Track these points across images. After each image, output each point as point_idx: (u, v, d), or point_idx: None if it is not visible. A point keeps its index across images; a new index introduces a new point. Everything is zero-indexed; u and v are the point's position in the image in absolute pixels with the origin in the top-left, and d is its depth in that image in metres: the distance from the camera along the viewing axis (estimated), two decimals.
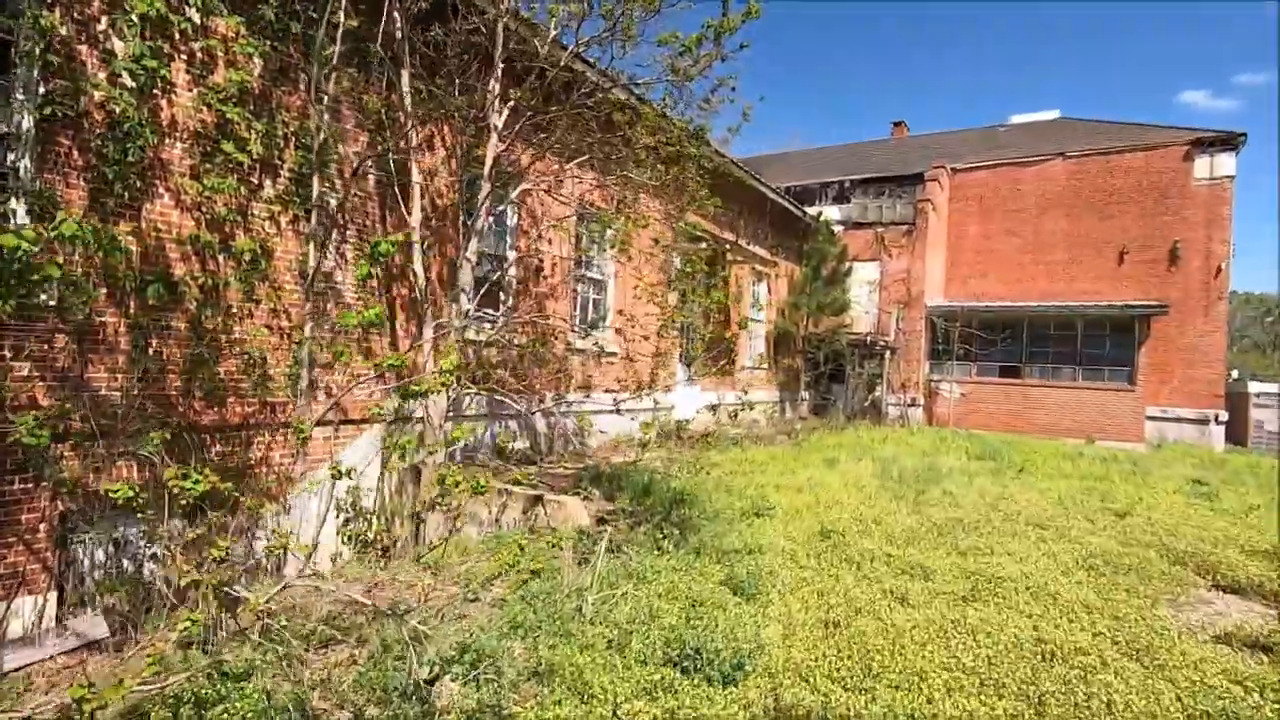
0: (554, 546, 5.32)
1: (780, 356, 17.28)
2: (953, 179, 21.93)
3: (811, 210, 19.44)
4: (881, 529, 6.02)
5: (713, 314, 12.80)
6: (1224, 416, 17.92)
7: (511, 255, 9.12)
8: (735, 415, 15.21)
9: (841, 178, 20.89)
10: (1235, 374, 28.24)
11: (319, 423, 6.74)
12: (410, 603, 3.91)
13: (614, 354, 11.05)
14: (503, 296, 9.11)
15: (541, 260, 9.46)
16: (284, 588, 3.72)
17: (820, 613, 3.81)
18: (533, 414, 9.41)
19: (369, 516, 7.06)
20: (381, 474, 7.32)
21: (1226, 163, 18.45)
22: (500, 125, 6.26)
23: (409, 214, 6.38)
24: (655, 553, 5.10)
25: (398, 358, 4.05)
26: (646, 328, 11.94)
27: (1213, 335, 18.30)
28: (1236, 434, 19.85)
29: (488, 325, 8.85)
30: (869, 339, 18.14)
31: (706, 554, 4.98)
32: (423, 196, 7.35)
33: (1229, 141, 18.44)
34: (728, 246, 13.29)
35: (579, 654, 3.01)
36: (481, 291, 6.85)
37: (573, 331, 10.11)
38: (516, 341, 8.80)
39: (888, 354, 18.19)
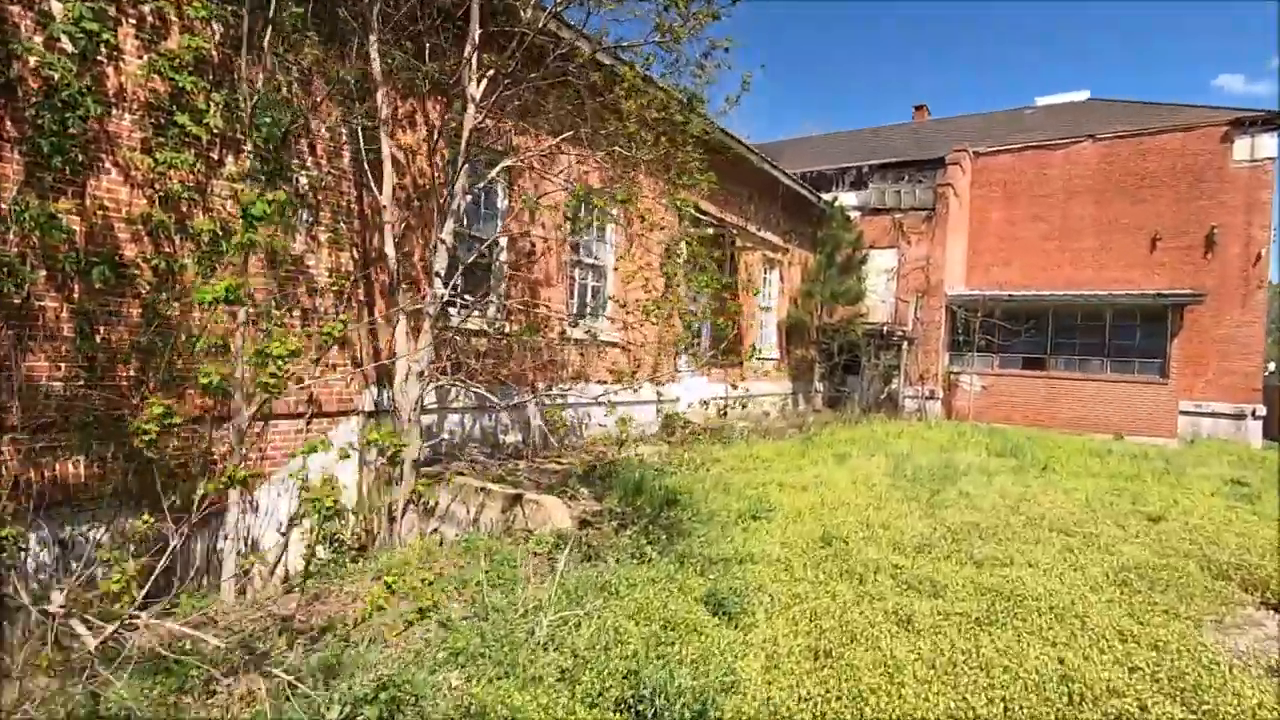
0: (533, 554, 4.88)
1: (793, 347, 16.71)
2: (975, 163, 21.10)
3: (828, 197, 18.76)
4: (889, 535, 5.51)
5: (708, 299, 12.23)
6: (1261, 411, 17.04)
7: (502, 239, 8.67)
8: (745, 407, 14.69)
9: (859, 163, 20.17)
10: (1272, 366, 27.10)
11: (288, 415, 6.37)
12: (348, 621, 3.49)
13: (612, 343, 10.59)
14: (493, 282, 8.68)
15: (534, 244, 9.01)
16: (165, 613, 3.31)
17: (810, 639, 3.33)
18: (524, 406, 8.98)
19: (348, 514, 6.69)
20: (360, 469, 6.95)
21: (1268, 144, 17.46)
22: (477, 96, 5.79)
23: (379, 192, 5.94)
24: (636, 561, 4.64)
25: (332, 327, 3.62)
26: (648, 316, 11.48)
27: (1251, 326, 17.40)
28: (1272, 430, 18.92)
29: (476, 312, 8.44)
30: (885, 329, 17.49)
31: (691, 564, 4.51)
32: (402, 175, 6.94)
33: (1272, 121, 17.44)
34: (734, 231, 12.73)
35: (518, 692, 2.57)
36: (458, 275, 6.39)
37: (568, 319, 9.66)
38: (507, 330, 8.37)
39: (905, 345, 17.53)
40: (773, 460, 9.18)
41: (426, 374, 5.99)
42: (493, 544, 5.04)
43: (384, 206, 5.84)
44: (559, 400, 9.58)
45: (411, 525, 5.99)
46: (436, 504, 6.26)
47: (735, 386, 13.92)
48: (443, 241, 5.82)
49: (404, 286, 6.61)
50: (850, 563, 4.67)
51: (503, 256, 8.70)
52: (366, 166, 6.19)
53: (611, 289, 10.64)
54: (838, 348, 17.54)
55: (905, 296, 18.36)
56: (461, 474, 6.64)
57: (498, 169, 6.29)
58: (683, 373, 12.71)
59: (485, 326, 8.27)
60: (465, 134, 5.73)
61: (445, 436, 7.97)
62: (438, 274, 5.85)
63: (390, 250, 5.93)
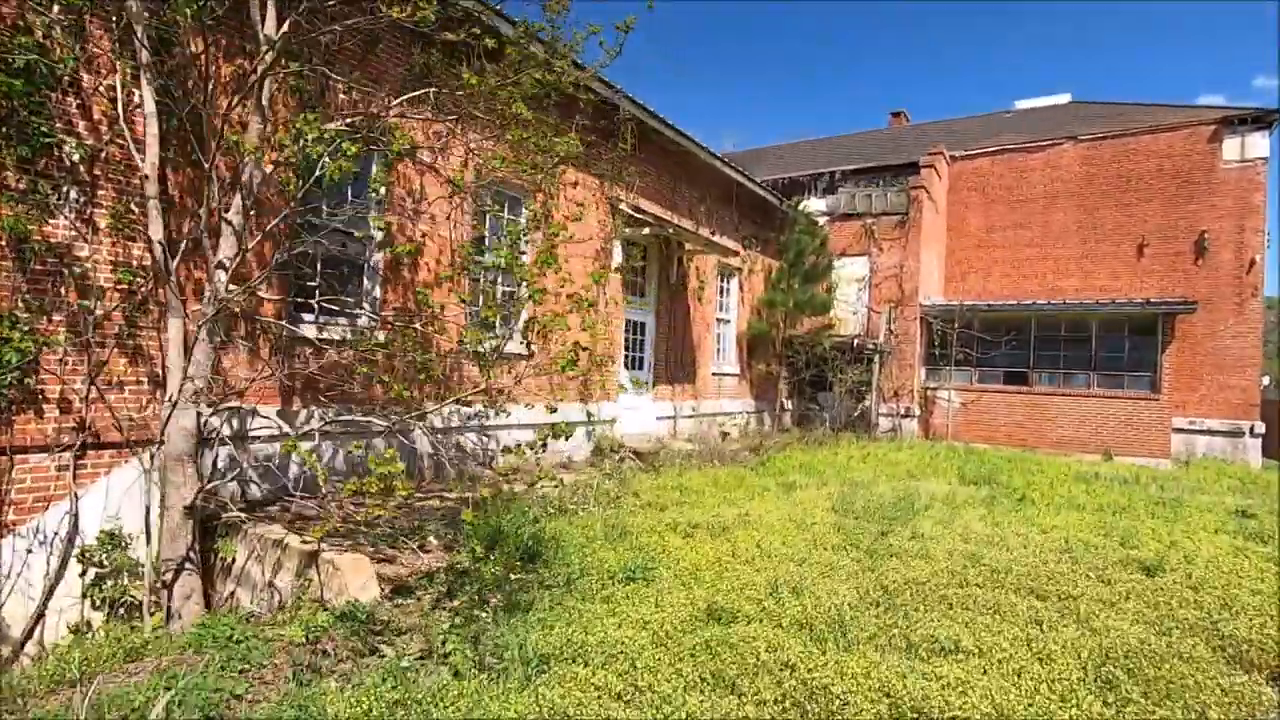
0: (293, 645, 3.50)
1: (755, 362, 15.41)
2: (952, 167, 20.02)
3: (798, 202, 17.58)
4: (801, 605, 4.15)
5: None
6: (1260, 428, 15.83)
7: (378, 233, 7.36)
8: (701, 427, 13.35)
9: (832, 169, 19.02)
10: (1266, 380, 25.98)
11: (40, 448, 4.98)
12: None
13: (523, 355, 9.24)
14: (366, 285, 7.36)
15: (422, 243, 7.68)
16: None
17: None
18: (408, 431, 7.61)
19: (138, 571, 5.29)
20: (161, 514, 5.55)
21: (1260, 143, 16.42)
22: (274, 35, 4.50)
23: (142, 160, 4.62)
24: (429, 659, 3.28)
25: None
26: (544, 327, 10.16)
27: (1246, 336, 16.23)
28: (1272, 448, 17.70)
29: (343, 320, 7.10)
30: (855, 342, 16.23)
31: (501, 670, 3.15)
32: (183, 140, 5.57)
33: (1262, 119, 16.42)
34: (680, 234, 11.47)
35: None
36: (267, 261, 5.05)
37: (466, 329, 8.32)
38: (381, 340, 7.00)
39: (877, 359, 16.25)
40: (702, 492, 7.83)
41: (206, 392, 4.63)
42: (248, 629, 3.66)
43: (145, 177, 4.51)
44: (455, 421, 8.22)
45: (189, 591, 4.60)
46: (233, 562, 4.88)
47: (692, 404, 12.56)
48: (227, 222, 4.49)
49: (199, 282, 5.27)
50: (726, 660, 3.31)
51: (377, 255, 7.38)
52: (179, 139, 4.86)
53: (525, 291, 9.31)
54: (804, 362, 16.27)
55: (878, 307, 17.13)
56: (272, 520, 5.26)
57: (331, 129, 4.95)
58: (625, 390, 11.37)
59: (348, 336, 6.93)
60: (257, 84, 4.43)
61: (294, 470, 6.59)
62: (221, 265, 4.51)
63: (156, 235, 4.59)
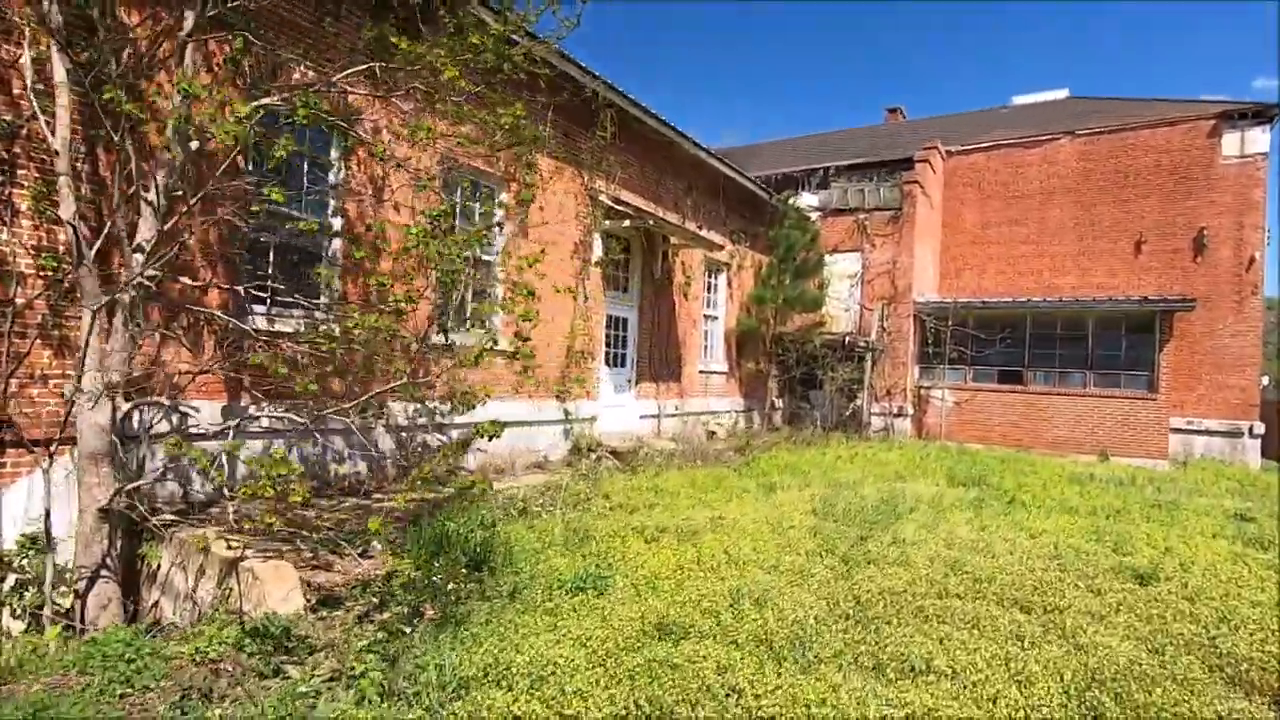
0: (193, 663, 3.16)
1: (744, 360, 15.06)
2: (948, 162, 19.69)
3: (789, 197, 17.23)
4: (762, 618, 3.82)
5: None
6: (1260, 429, 15.50)
7: (337, 222, 7.03)
8: (686, 425, 13.01)
9: (826, 164, 18.66)
10: (1266, 380, 25.64)
11: None
12: None
13: (501, 351, 8.89)
14: (324, 275, 7.01)
15: (383, 232, 7.33)
16: None
17: None
18: (369, 429, 7.28)
19: (63, 577, 4.95)
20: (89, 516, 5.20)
21: (1259, 138, 16.09)
22: None
23: (53, 135, 4.27)
24: (335, 683, 2.94)
25: None
26: (554, 320, 9.82)
27: (1246, 335, 15.89)
28: (1272, 448, 17.37)
29: (299, 312, 6.75)
30: (847, 339, 15.89)
31: (414, 695, 2.81)
32: (128, 121, 5.22)
33: (1263, 114, 16.08)
34: (664, 227, 11.12)
35: None
36: (212, 248, 4.72)
37: (436, 324, 7.97)
38: (338, 333, 6.63)
39: (869, 356, 15.91)
40: (678, 493, 7.49)
41: (123, 385, 4.28)
42: (145, 645, 3.32)
43: (56, 153, 4.16)
44: (422, 419, 7.88)
45: (106, 601, 4.26)
46: (158, 568, 4.54)
47: (678, 402, 12.15)
48: (146, 201, 4.15)
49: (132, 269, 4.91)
50: (666, 683, 2.97)
51: (336, 243, 7.03)
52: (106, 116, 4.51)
53: (503, 288, 8.97)
54: (795, 360, 15.93)
55: (870, 304, 16.79)
56: (210, 523, 4.92)
57: (258, 107, 4.60)
58: (605, 387, 11.03)
59: (302, 329, 6.57)
60: (178, 50, 4.08)
61: (243, 470, 6.24)
62: (139, 248, 4.17)
63: (67, 214, 4.23)
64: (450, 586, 4.11)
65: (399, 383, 5.80)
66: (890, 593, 4.45)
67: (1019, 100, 23.30)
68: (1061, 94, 22.61)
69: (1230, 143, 16.30)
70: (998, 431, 15.71)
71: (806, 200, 17.78)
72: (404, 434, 7.61)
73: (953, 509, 7.49)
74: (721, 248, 12.48)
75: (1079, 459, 14.22)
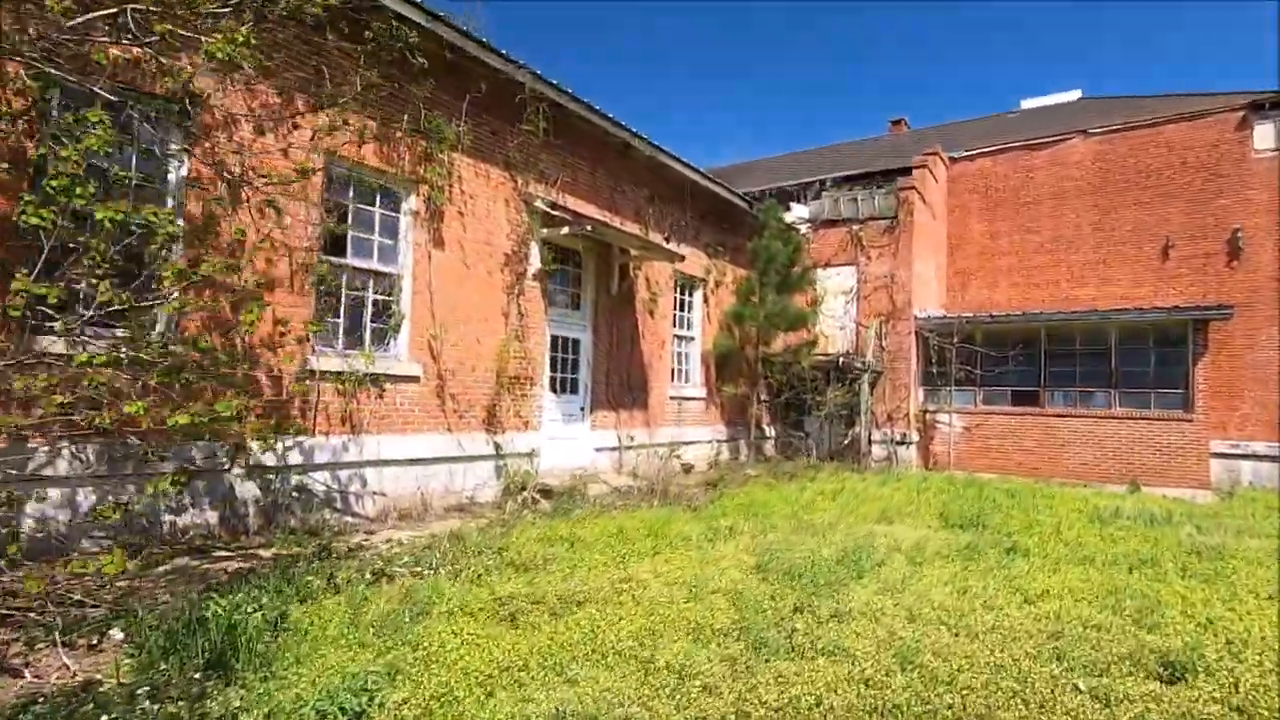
0: None
1: (725, 384, 13.70)
2: (951, 170, 18.35)
3: (789, 216, 15.99)
4: None
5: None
6: None
7: (179, 223, 5.93)
8: (659, 459, 11.66)
9: (822, 176, 17.40)
10: None
11: None
12: None
13: (407, 377, 7.70)
14: (156, 288, 5.89)
15: (242, 240, 6.22)
16: None
17: None
18: (220, 472, 6.09)
19: None
20: None
21: None
22: None
23: None
24: None
25: None
26: (481, 341, 8.63)
27: None
28: None
29: (120, 331, 5.61)
30: (841, 360, 14.46)
31: None
32: None
33: None
34: (590, 229, 9.94)
35: None
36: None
37: (318, 343, 6.81)
38: (146, 358, 5.45)
39: (865, 379, 14.45)
40: (595, 544, 6.15)
41: None
42: None
43: None
44: (295, 461, 6.67)
45: None
46: None
47: (646, 433, 10.69)
48: None
49: None
50: None
51: (176, 248, 5.92)
52: None
53: (408, 304, 7.82)
54: (783, 384, 14.54)
55: (866, 320, 15.37)
56: None
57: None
58: (548, 417, 9.77)
59: (124, 354, 5.42)
60: None
61: (51, 524, 5.08)
62: None
63: None
64: (161, 709, 2.85)
65: (237, 417, 4.57)
66: (792, 711, 3.08)
67: (1028, 104, 21.95)
68: (1074, 95, 21.23)
69: (1263, 135, 14.75)
70: (1013, 459, 14.07)
71: (797, 212, 16.53)
72: (271, 476, 6.40)
73: (934, 561, 6.04)
74: (682, 258, 11.25)
75: (1106, 489, 12.55)
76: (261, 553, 5.79)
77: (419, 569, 5.33)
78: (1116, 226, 16.34)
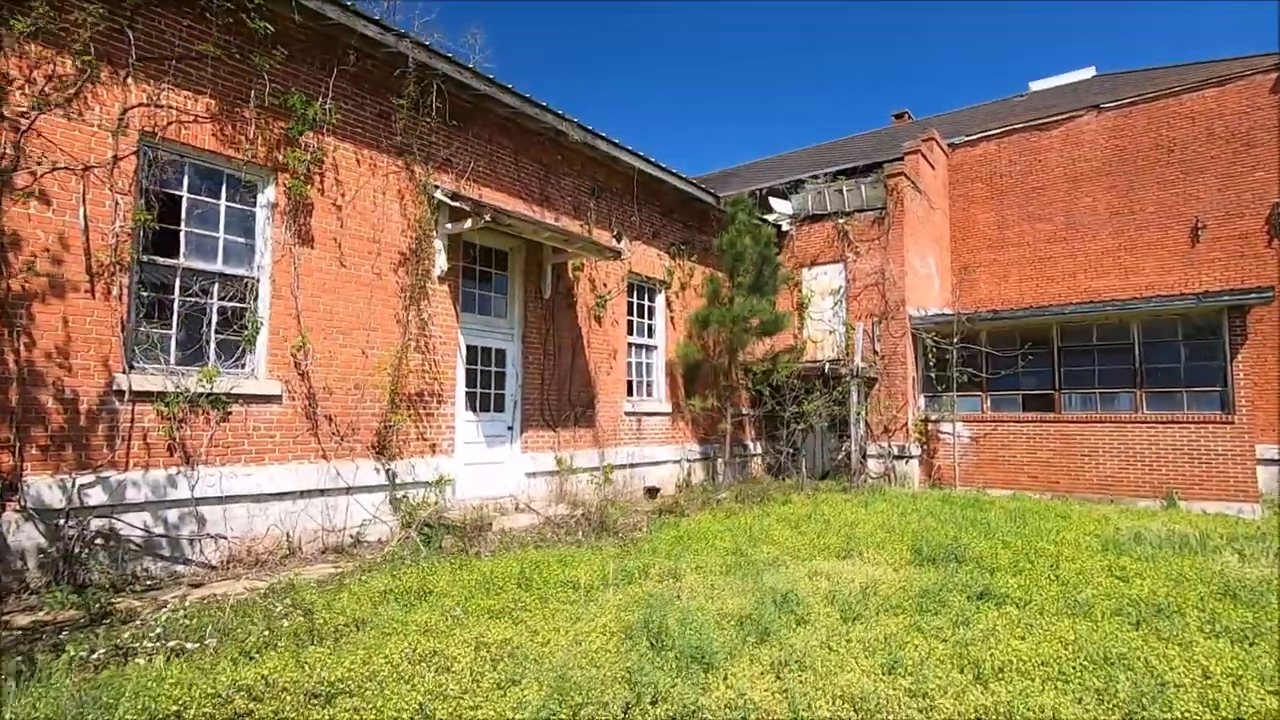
0: None
1: (693, 397, 12.32)
2: (952, 157, 16.89)
3: (770, 217, 14.71)
4: None
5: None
6: None
7: None
8: (616, 483, 10.35)
9: (814, 172, 16.06)
10: None
11: None
12: None
13: (271, 396, 6.55)
14: None
15: (16, 239, 5.15)
16: None
17: None
18: None
19: None
20: None
21: None
22: None
23: None
24: None
25: None
26: (365, 354, 7.45)
27: None
28: None
29: None
30: (828, 367, 13.01)
31: None
32: None
33: None
34: (508, 224, 8.74)
35: None
36: None
37: (141, 359, 5.70)
38: None
39: (854, 386, 12.95)
40: (446, 596, 4.88)
41: None
42: None
43: None
44: (103, 500, 5.53)
45: None
46: None
47: (595, 454, 9.27)
48: None
49: None
50: None
51: None
52: None
53: (267, 309, 6.69)
54: (765, 393, 13.13)
55: (855, 322, 13.89)
56: None
57: None
58: (463, 439, 8.55)
59: None
60: None
61: None
62: None
63: None
64: None
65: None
66: None
67: (1037, 85, 20.34)
68: (1087, 73, 19.59)
69: None
70: (1027, 472, 12.41)
71: (779, 208, 15.21)
72: (60, 521, 5.27)
73: (876, 616, 4.62)
74: (619, 255, 9.97)
75: (1137, 505, 10.86)
76: (18, 619, 4.64)
77: (184, 640, 4.11)
78: (1138, 209, 14.69)
